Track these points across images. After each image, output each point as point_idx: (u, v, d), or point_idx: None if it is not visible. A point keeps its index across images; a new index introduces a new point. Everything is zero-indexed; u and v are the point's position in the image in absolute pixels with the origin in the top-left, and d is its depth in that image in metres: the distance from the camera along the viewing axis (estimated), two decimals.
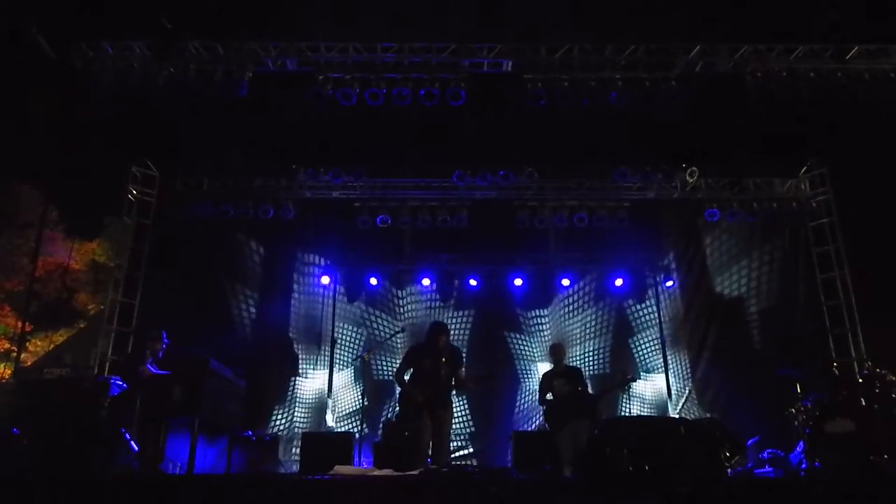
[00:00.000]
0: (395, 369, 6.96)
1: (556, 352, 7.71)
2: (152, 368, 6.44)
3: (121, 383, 6.31)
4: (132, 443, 6.11)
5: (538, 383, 7.63)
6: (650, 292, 10.82)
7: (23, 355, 10.10)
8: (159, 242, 10.14)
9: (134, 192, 10.15)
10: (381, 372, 10.28)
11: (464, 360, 6.78)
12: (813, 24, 7.86)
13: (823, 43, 8.12)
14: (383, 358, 10.36)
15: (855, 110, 8.30)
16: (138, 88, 8.20)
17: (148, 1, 7.77)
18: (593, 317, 10.80)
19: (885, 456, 5.62)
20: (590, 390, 7.54)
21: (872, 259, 9.39)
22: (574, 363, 9.89)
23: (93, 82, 8.22)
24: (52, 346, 10.44)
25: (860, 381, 6.34)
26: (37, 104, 8.53)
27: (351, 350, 10.51)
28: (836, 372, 7.51)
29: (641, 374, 10.37)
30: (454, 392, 6.81)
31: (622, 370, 9.74)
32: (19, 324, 9.90)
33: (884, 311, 9.16)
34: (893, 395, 5.99)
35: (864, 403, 6.05)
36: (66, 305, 10.40)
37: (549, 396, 7.38)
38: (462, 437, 10.00)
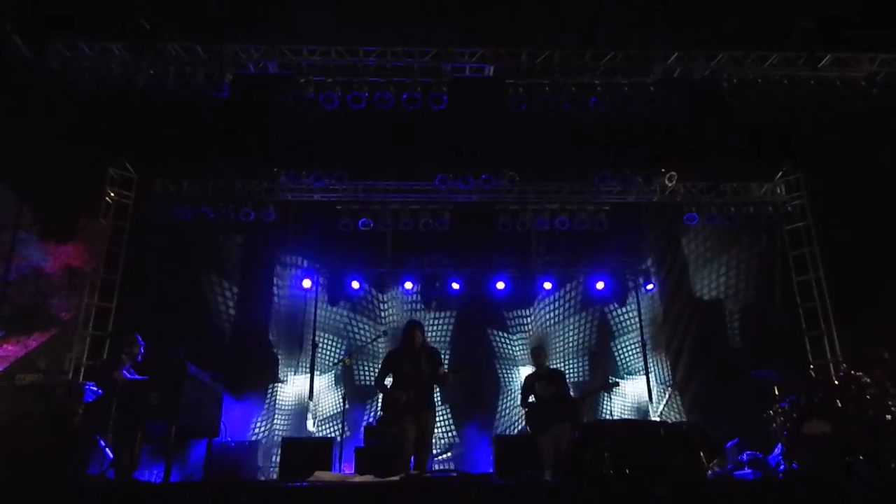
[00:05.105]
0: (376, 373, 6.92)
1: (538, 354, 7.74)
2: (127, 374, 6.34)
3: (96, 389, 6.17)
4: (107, 450, 6.00)
5: (520, 384, 7.64)
6: (631, 295, 10.92)
7: None
8: (136, 245, 9.99)
9: (111, 193, 10.00)
10: (362, 376, 10.22)
11: (443, 359, 6.78)
12: (787, 32, 8.00)
13: (797, 51, 8.28)
14: (365, 362, 10.31)
15: (828, 117, 8.47)
16: (116, 89, 8.09)
17: (127, 1, 7.66)
18: (574, 320, 10.87)
19: (861, 457, 5.71)
20: (571, 393, 7.56)
21: (847, 262, 9.57)
22: (555, 366, 9.93)
23: (69, 82, 8.08)
24: (24, 350, 10.21)
25: (836, 383, 6.42)
26: (11, 103, 8.35)
27: (332, 354, 10.45)
28: (813, 374, 7.62)
29: (622, 376, 10.45)
30: (436, 393, 6.79)
31: (604, 373, 9.79)
32: None
33: (858, 313, 9.33)
34: (868, 397, 6.09)
35: (839, 405, 6.14)
36: (40, 309, 10.18)
37: (531, 399, 7.39)
38: (443, 442, 9.99)
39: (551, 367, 8.06)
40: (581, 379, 10.44)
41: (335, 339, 10.58)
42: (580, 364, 10.64)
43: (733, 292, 10.60)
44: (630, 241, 10.92)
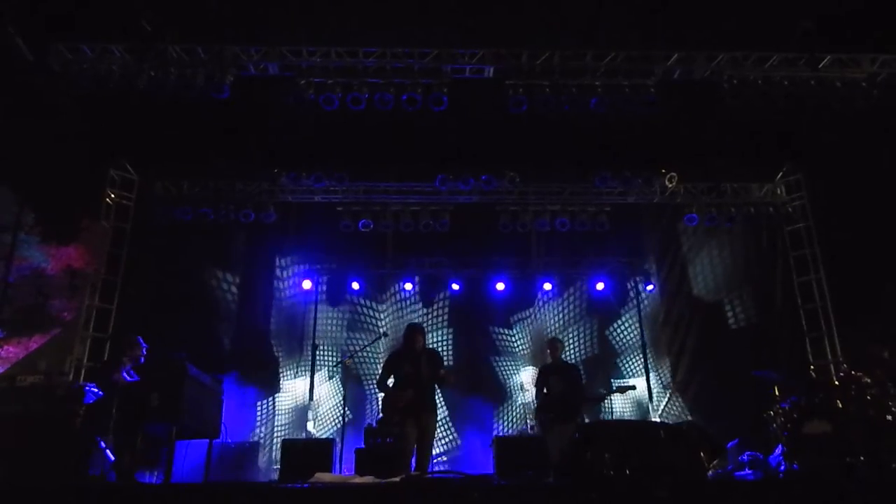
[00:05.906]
0: (377, 374, 6.92)
1: (553, 347, 7.59)
2: (127, 376, 6.34)
3: (96, 390, 6.18)
4: (107, 451, 5.99)
5: (520, 385, 7.60)
6: (631, 296, 10.92)
7: None
8: (137, 247, 10.00)
9: (112, 195, 10.01)
10: (362, 377, 10.23)
11: (443, 360, 6.78)
12: (787, 33, 8.00)
13: (797, 52, 8.27)
14: (365, 363, 10.31)
15: (828, 117, 8.47)
16: (117, 91, 8.10)
17: (128, 3, 7.68)
18: (574, 320, 10.87)
19: (861, 457, 5.70)
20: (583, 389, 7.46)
21: (847, 262, 9.56)
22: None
23: (71, 84, 8.10)
24: (25, 352, 10.22)
25: (836, 383, 6.42)
26: (13, 105, 8.37)
27: (332, 355, 10.44)
28: (813, 374, 7.61)
29: (620, 377, 10.44)
30: (437, 394, 6.79)
31: (606, 373, 9.75)
32: None
33: (859, 314, 9.32)
34: (869, 397, 6.08)
35: (840, 405, 6.13)
36: (41, 310, 10.20)
37: (544, 391, 7.32)
38: (444, 443, 9.98)
39: (566, 361, 7.90)
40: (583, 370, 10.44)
41: (335, 340, 10.58)
42: (580, 364, 10.63)
43: (734, 293, 10.59)
44: (630, 241, 10.92)
